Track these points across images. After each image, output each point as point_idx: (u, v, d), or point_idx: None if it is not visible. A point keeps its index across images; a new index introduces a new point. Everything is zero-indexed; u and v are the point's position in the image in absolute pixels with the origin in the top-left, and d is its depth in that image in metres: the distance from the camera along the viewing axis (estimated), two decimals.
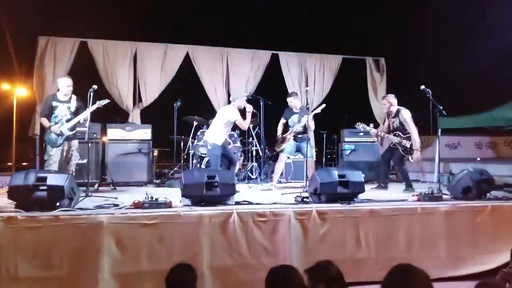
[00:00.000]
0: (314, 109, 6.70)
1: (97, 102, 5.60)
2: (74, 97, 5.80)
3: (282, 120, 6.98)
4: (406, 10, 11.05)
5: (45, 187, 4.00)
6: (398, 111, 6.26)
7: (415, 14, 11.17)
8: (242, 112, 6.24)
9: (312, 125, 6.64)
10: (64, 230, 3.78)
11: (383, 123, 7.67)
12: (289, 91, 9.62)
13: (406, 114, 6.17)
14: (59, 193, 4.03)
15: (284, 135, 6.81)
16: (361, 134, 8.56)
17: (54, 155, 5.61)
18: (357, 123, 6.59)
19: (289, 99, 6.83)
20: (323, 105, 6.70)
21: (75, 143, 5.85)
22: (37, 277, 3.68)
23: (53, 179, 4.08)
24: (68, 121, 5.69)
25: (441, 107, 5.76)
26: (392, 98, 6.40)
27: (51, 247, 3.74)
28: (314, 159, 6.67)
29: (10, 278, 3.63)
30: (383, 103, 6.55)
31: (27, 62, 8.63)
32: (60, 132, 5.61)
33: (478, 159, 10.22)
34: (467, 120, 8.95)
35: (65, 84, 5.71)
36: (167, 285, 2.66)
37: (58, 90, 5.79)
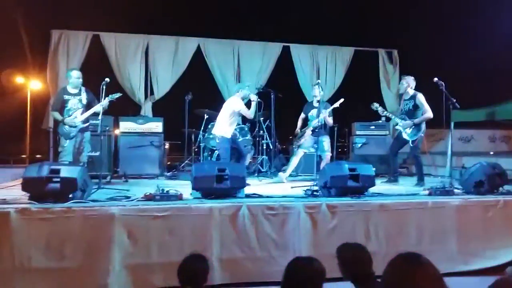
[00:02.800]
0: (332, 105, 6.62)
1: (110, 96, 5.64)
2: (83, 88, 5.83)
3: (302, 115, 6.97)
4: (420, 1, 10.90)
5: (58, 179, 4.05)
6: (414, 95, 6.19)
7: (428, 4, 11.00)
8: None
9: (330, 121, 6.60)
10: (76, 222, 3.84)
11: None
12: (300, 83, 9.61)
13: (422, 97, 6.12)
14: (72, 185, 4.09)
15: (303, 129, 6.80)
16: (373, 127, 8.49)
17: (68, 147, 5.68)
18: (373, 103, 6.60)
19: (318, 87, 6.76)
20: (342, 100, 6.63)
21: (87, 134, 5.90)
22: (50, 268, 3.74)
23: (66, 171, 4.14)
24: (81, 113, 5.75)
25: (455, 100, 5.69)
26: (411, 80, 6.31)
27: (63, 238, 3.80)
28: (331, 154, 6.60)
29: (23, 269, 3.70)
30: (401, 83, 6.46)
31: (41, 55, 8.73)
32: (74, 124, 5.67)
33: (491, 153, 10.09)
34: (480, 113, 8.81)
35: (75, 76, 5.76)
36: (180, 275, 2.64)
37: (68, 83, 5.83)
